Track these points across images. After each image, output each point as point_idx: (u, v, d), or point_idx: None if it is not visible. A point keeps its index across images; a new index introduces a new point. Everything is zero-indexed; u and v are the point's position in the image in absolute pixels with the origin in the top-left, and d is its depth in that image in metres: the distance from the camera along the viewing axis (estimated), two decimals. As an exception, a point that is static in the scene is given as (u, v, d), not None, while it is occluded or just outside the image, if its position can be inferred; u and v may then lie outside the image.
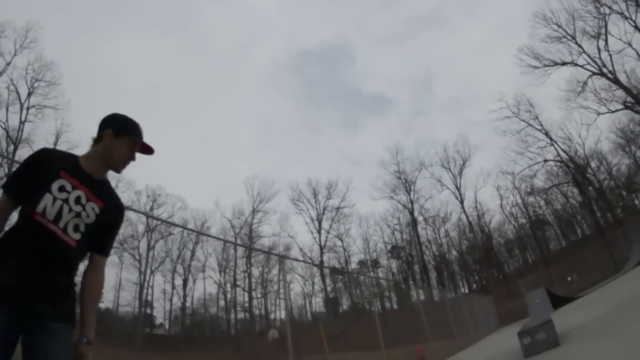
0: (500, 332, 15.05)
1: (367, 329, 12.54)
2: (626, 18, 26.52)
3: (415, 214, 38.15)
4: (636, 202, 32.82)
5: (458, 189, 37.01)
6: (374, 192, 47.46)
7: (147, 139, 1.54)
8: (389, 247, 38.51)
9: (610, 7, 27.13)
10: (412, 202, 38.27)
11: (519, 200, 36.55)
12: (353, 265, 39.44)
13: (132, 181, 29.26)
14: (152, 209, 31.24)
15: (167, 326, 30.80)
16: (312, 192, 39.11)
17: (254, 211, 35.41)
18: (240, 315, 32.70)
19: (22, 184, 1.31)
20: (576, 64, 29.32)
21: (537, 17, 30.77)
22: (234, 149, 55.16)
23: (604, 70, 27.91)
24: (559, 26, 29.74)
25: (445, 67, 54.39)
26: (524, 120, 32.35)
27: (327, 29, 59.64)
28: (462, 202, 36.79)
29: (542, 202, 36.59)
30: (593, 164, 32.10)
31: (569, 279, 23.82)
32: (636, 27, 25.98)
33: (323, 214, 38.67)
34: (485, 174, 42.02)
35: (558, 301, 14.75)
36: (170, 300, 30.19)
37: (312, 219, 38.23)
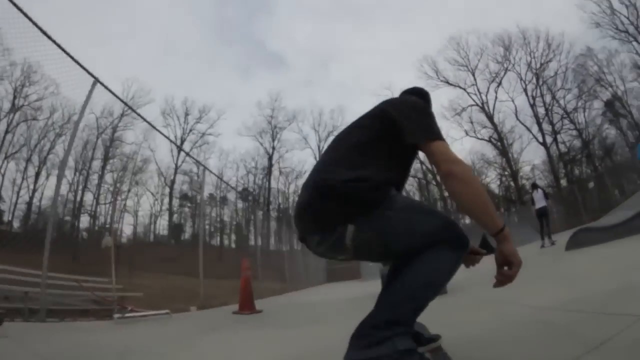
0: (328, 285, 15.78)
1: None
2: (521, 79, 31.46)
3: (273, 161, 37.82)
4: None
5: (320, 152, 37.59)
6: (242, 129, 43.97)
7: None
8: (239, 188, 37.31)
9: (513, 65, 31.66)
10: (273, 149, 37.74)
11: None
12: (206, 195, 36.75)
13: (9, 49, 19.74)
14: (22, 85, 24.17)
15: (8, 219, 25.10)
16: (185, 111, 35.29)
17: (123, 114, 28.39)
18: (86, 220, 28.54)
19: None
20: (465, 91, 33.49)
21: (452, 41, 33.42)
22: (130, 54, 44.71)
23: (485, 107, 32.83)
24: (466, 57, 33.16)
25: (348, 56, 55.41)
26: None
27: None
28: (319, 165, 38.13)
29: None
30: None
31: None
32: (524, 91, 31.11)
33: (188, 135, 35.21)
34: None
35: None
36: (18, 193, 25.05)
37: (175, 137, 34.15)
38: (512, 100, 31.72)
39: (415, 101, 1.28)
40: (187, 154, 32.69)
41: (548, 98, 30.22)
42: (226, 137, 49.37)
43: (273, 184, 38.12)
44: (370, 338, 1.01)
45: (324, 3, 53.45)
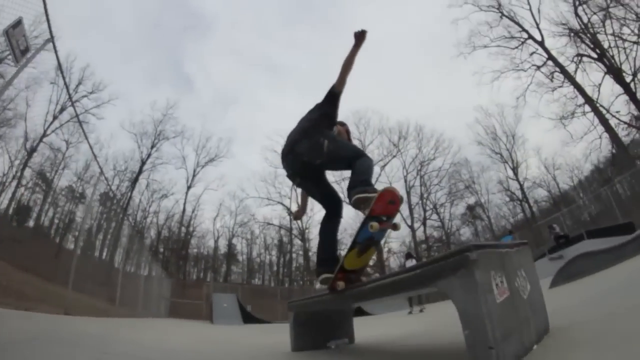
0: (168, 321, 12.33)
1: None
2: (404, 167, 35.89)
3: (144, 169, 33.51)
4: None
5: (194, 177, 35.59)
6: (126, 123, 37.16)
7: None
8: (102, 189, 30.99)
9: (400, 152, 36.28)
10: (149, 156, 33.78)
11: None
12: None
13: None
14: None
15: None
16: (79, 78, 29.54)
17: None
18: None
19: None
20: None
21: (355, 115, 39.28)
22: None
23: None
24: (364, 132, 36.87)
25: (249, 105, 56.76)
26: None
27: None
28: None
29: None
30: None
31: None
32: (404, 178, 35.59)
33: (70, 105, 28.21)
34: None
35: (248, 317, 15.23)
36: None
37: (57, 102, 26.75)
38: (390, 184, 35.62)
39: None
40: (78, 120, 25.65)
41: (421, 190, 34.94)
42: (107, 124, 41.64)
43: (135, 194, 32.98)
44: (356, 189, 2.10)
45: (251, 50, 54.38)
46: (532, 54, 25.46)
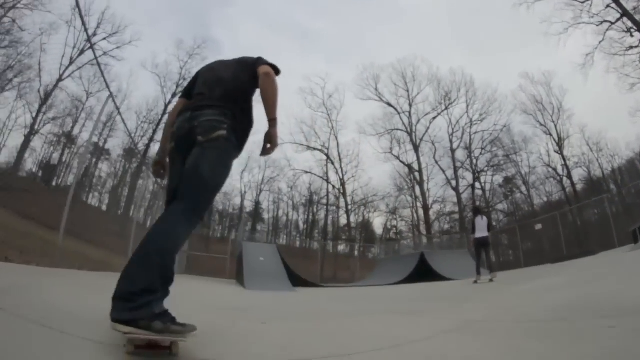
0: (186, 279, 10.10)
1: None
2: (450, 124, 33.21)
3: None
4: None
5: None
6: (149, 63, 36.93)
7: None
8: (127, 144, 29.63)
9: (447, 109, 33.36)
10: (172, 97, 31.64)
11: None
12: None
13: None
14: None
15: None
16: (98, 19, 25.09)
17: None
18: None
19: None
20: (398, 113, 34.31)
21: (403, 63, 34.39)
22: None
23: (413, 136, 33.87)
24: (412, 81, 34.16)
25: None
26: None
27: None
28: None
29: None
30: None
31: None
32: (450, 137, 32.97)
33: (88, 48, 25.97)
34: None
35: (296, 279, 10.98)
36: None
37: (74, 45, 24.44)
38: (433, 143, 33.17)
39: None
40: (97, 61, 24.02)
41: (470, 151, 32.36)
42: (127, 67, 39.59)
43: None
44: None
45: (280, 15, 50.52)
46: (607, 7, 21.72)
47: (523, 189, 30.96)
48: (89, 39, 25.17)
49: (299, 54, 51.73)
